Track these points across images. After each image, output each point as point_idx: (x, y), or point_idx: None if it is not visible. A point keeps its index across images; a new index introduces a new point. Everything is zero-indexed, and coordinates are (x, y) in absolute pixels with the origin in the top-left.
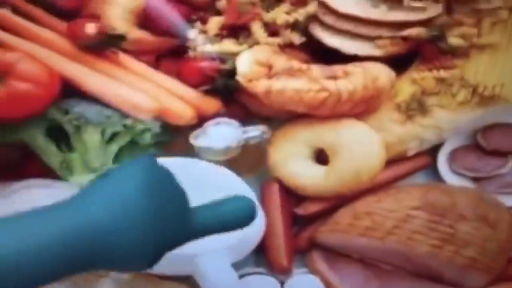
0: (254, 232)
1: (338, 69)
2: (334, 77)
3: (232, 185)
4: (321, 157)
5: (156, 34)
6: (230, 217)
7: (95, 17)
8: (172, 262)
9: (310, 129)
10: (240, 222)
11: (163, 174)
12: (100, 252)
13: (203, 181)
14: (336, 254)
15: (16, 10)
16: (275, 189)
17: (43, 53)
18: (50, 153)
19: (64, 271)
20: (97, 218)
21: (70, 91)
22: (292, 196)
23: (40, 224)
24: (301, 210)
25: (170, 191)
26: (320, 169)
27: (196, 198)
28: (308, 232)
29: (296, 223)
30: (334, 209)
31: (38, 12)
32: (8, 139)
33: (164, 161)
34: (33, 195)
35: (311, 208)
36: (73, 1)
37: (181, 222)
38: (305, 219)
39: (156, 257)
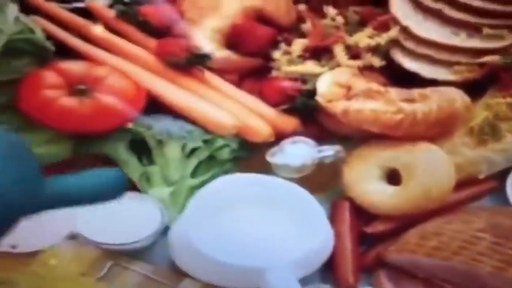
0: (322, 248)
1: (415, 92)
2: (411, 100)
3: (303, 202)
4: (392, 177)
5: (241, 53)
6: (92, 189)
7: (184, 36)
8: (239, 275)
9: (384, 150)
10: (103, 195)
11: (11, 144)
12: None
13: (277, 197)
14: (403, 274)
15: (109, 27)
16: (345, 207)
17: (131, 69)
18: (131, 166)
19: None
20: None
21: (155, 106)
22: (362, 215)
23: None
24: (370, 229)
25: (15, 158)
26: (392, 189)
27: (270, 213)
28: (375, 251)
29: (364, 241)
30: (402, 229)
31: (129, 29)
32: (92, 151)
33: (240, 177)
34: (111, 206)
35: (380, 227)
36: (164, 20)
37: (28, 190)
38: (373, 238)
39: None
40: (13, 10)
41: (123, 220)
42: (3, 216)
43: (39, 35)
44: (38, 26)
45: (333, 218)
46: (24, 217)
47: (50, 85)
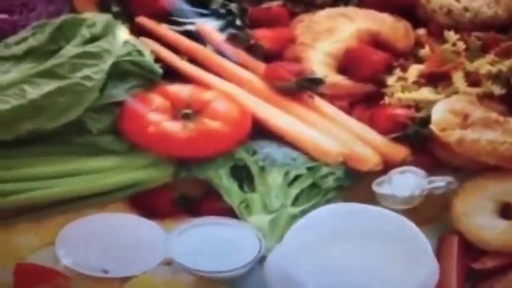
0: (427, 284)
1: None
2: None
3: (409, 235)
4: (505, 212)
5: (354, 79)
6: None
7: (296, 60)
8: None
9: (499, 183)
10: None
11: None
12: None
13: (381, 230)
14: None
15: (218, 50)
16: (453, 241)
17: (238, 93)
18: (232, 192)
19: None
20: None
21: (260, 132)
22: (470, 250)
23: None
24: (478, 265)
25: None
26: (504, 224)
27: (373, 246)
28: None
29: (471, 278)
30: (511, 266)
31: (239, 53)
32: (193, 175)
33: (344, 207)
34: (208, 233)
35: (490, 263)
36: (277, 43)
37: None
38: (481, 274)
39: None
40: (122, 31)
41: (219, 247)
42: None
43: (148, 57)
44: (147, 48)
45: (440, 253)
46: None
47: (155, 109)
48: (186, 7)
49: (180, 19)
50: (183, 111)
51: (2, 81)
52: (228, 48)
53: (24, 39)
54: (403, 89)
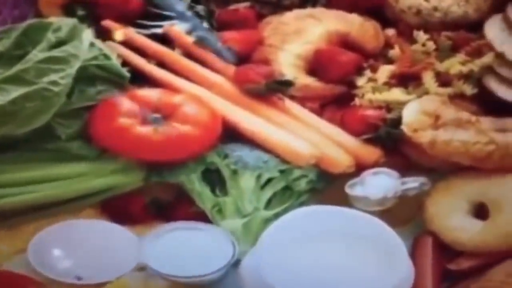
0: (402, 285)
1: (508, 122)
2: (503, 130)
3: (383, 236)
4: (479, 212)
5: (324, 80)
6: None
7: (265, 62)
8: None
9: (473, 183)
10: None
11: None
12: None
13: (355, 231)
14: None
15: (187, 53)
16: (428, 243)
17: (208, 96)
18: (204, 196)
19: None
20: None
21: (230, 135)
22: (445, 251)
23: None
24: (453, 266)
25: None
26: (479, 224)
27: (348, 248)
28: None
29: (447, 278)
30: (488, 266)
31: (207, 55)
32: (165, 180)
33: (317, 209)
34: (182, 237)
35: (465, 263)
36: (245, 45)
37: None
38: (456, 275)
39: None
40: (88, 35)
41: (193, 251)
42: None
43: (115, 61)
44: (114, 52)
45: (415, 254)
46: None
47: (124, 113)
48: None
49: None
50: (153, 116)
51: None
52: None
53: None
54: (373, 90)
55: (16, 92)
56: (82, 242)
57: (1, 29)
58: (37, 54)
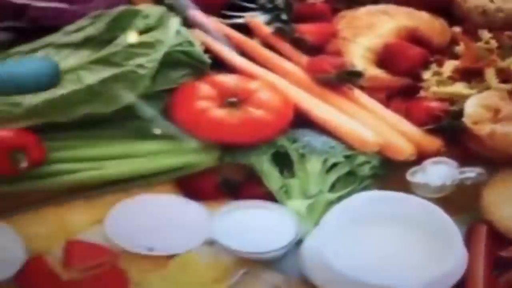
0: (455, 270)
1: None
2: None
3: (440, 222)
4: None
5: (391, 73)
6: (24, 75)
7: (337, 54)
8: None
9: None
10: (35, 80)
11: None
12: None
13: (413, 216)
14: None
15: (265, 43)
16: (482, 231)
17: (282, 84)
18: (272, 178)
19: None
20: None
21: (301, 121)
22: (498, 239)
23: None
24: (505, 253)
25: None
26: None
27: (405, 232)
28: (508, 276)
29: (500, 266)
30: None
31: (284, 45)
32: (237, 161)
33: (378, 194)
34: (249, 215)
35: None
36: (320, 37)
37: None
38: (508, 263)
39: None
40: (175, 23)
41: (259, 229)
42: None
43: (198, 48)
44: (197, 39)
45: (469, 241)
46: None
47: (203, 97)
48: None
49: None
50: (229, 99)
51: (61, 67)
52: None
53: (83, 28)
54: (438, 83)
55: (105, 72)
56: (156, 215)
57: (94, 14)
58: (126, 39)
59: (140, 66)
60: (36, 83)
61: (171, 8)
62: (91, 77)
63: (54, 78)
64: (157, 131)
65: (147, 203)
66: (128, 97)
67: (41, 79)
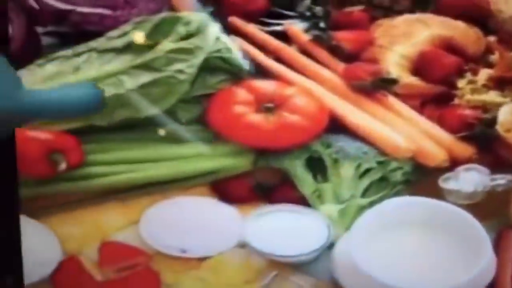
0: (484, 276)
1: None
2: None
3: (471, 229)
4: None
5: (426, 80)
6: (68, 102)
7: (373, 61)
8: None
9: None
10: (78, 108)
11: None
12: None
13: (444, 222)
14: None
15: (303, 50)
16: (511, 236)
17: (318, 90)
18: (306, 182)
19: None
20: None
21: (336, 126)
22: None
23: None
24: None
25: None
26: None
27: (436, 237)
28: None
29: None
30: None
31: (321, 52)
32: (271, 165)
33: (410, 200)
34: (281, 219)
35: None
36: (356, 45)
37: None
38: None
39: None
40: (214, 30)
41: (291, 233)
42: None
43: (236, 54)
44: (236, 46)
45: (498, 247)
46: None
47: (240, 101)
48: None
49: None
50: (265, 105)
51: (102, 71)
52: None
53: (125, 34)
54: (472, 91)
55: (145, 78)
56: (189, 218)
57: (136, 20)
58: (167, 45)
59: (180, 71)
60: (79, 111)
61: (211, 15)
62: (131, 82)
63: (98, 105)
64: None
65: (181, 205)
66: (167, 101)
67: (85, 107)
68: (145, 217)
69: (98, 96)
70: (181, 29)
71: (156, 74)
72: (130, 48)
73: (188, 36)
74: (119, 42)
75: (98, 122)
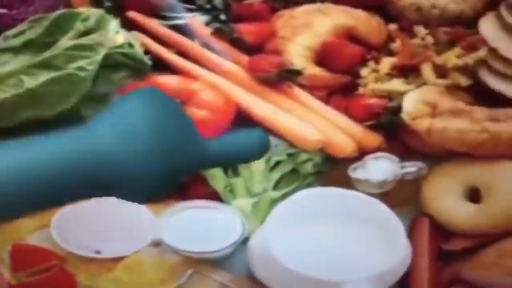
0: (399, 264)
1: (501, 112)
2: (496, 120)
3: (383, 217)
4: (473, 195)
5: (330, 71)
6: (241, 150)
7: (276, 53)
8: None
9: (466, 168)
10: (251, 154)
11: (169, 104)
12: (105, 171)
13: (357, 212)
14: None
15: (205, 43)
16: (425, 223)
17: (223, 84)
18: (217, 177)
19: (69, 190)
20: (103, 140)
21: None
22: (440, 232)
23: (46, 145)
24: (448, 246)
25: (176, 119)
26: (472, 207)
27: (349, 227)
28: (452, 268)
29: (442, 258)
30: (480, 247)
31: (224, 45)
32: None
33: (322, 191)
34: (195, 216)
35: (459, 244)
36: (258, 37)
37: (189, 149)
38: (451, 255)
39: (165, 182)
40: (114, 25)
41: (205, 229)
42: (168, 175)
43: (138, 49)
44: (137, 41)
45: (412, 234)
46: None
47: None
48: (175, 2)
49: (169, 14)
50: None
51: (1, 72)
52: (215, 42)
53: (22, 32)
54: (376, 80)
55: (45, 76)
56: (102, 219)
57: (33, 18)
58: (66, 42)
59: (81, 68)
60: (251, 158)
61: (110, 10)
62: (32, 81)
63: (266, 149)
64: None
65: (93, 206)
66: (70, 100)
67: (256, 152)
68: (57, 219)
69: (265, 139)
70: (80, 26)
71: (56, 72)
72: (28, 47)
73: (87, 33)
74: (16, 41)
75: (3, 123)
